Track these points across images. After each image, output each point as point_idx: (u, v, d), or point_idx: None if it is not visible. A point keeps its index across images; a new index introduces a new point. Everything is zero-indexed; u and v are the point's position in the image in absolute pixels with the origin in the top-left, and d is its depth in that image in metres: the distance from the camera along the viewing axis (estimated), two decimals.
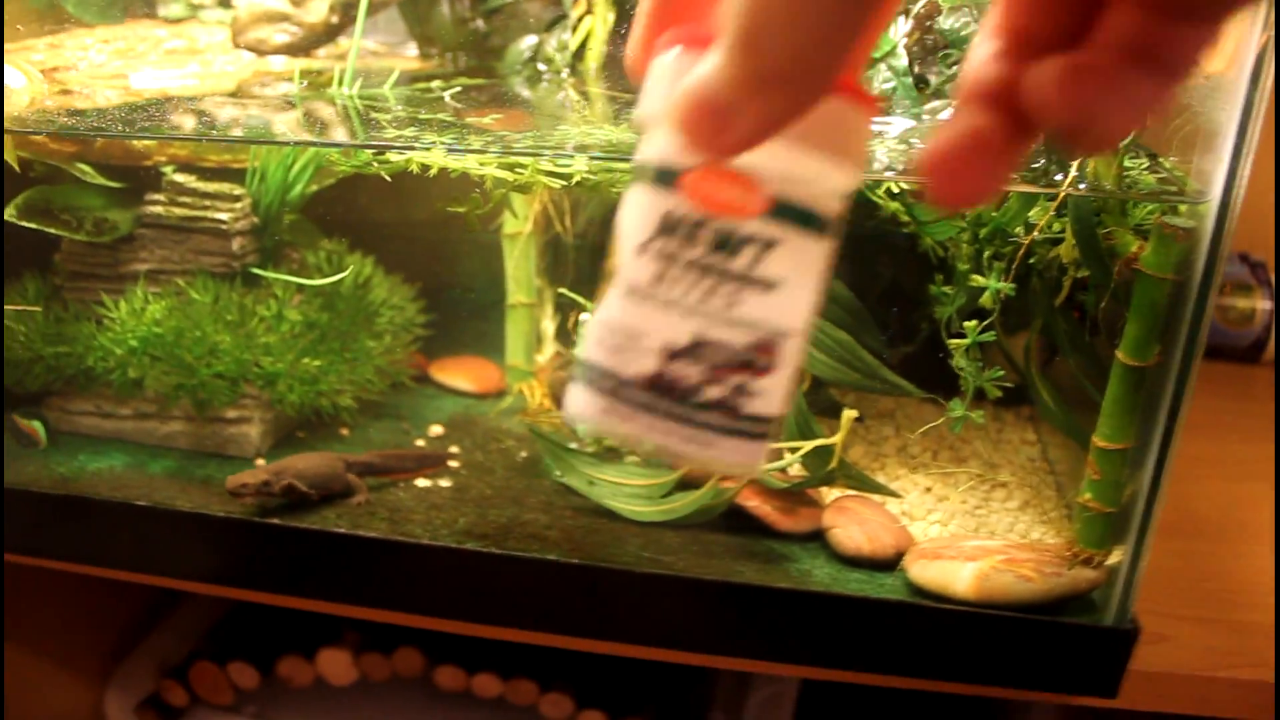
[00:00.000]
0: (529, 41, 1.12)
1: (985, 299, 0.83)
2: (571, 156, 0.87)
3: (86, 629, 1.37)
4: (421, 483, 1.04)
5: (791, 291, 0.39)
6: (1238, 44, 0.68)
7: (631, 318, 0.40)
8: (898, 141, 0.89)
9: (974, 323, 0.85)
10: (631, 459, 1.03)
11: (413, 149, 0.86)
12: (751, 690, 1.39)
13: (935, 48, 0.95)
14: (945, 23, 0.90)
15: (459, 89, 1.05)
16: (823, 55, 0.33)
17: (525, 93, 1.09)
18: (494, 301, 1.20)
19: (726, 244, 0.39)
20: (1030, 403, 1.02)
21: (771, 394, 0.40)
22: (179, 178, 1.04)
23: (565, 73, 1.11)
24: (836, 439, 0.92)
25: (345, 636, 1.34)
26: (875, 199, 0.94)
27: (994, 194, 0.68)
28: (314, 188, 1.08)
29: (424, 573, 0.94)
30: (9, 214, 0.99)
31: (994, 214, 0.86)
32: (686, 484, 0.99)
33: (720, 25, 0.34)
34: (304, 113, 1.00)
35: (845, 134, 0.39)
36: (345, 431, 1.14)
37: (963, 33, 0.89)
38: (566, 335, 1.20)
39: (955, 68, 0.95)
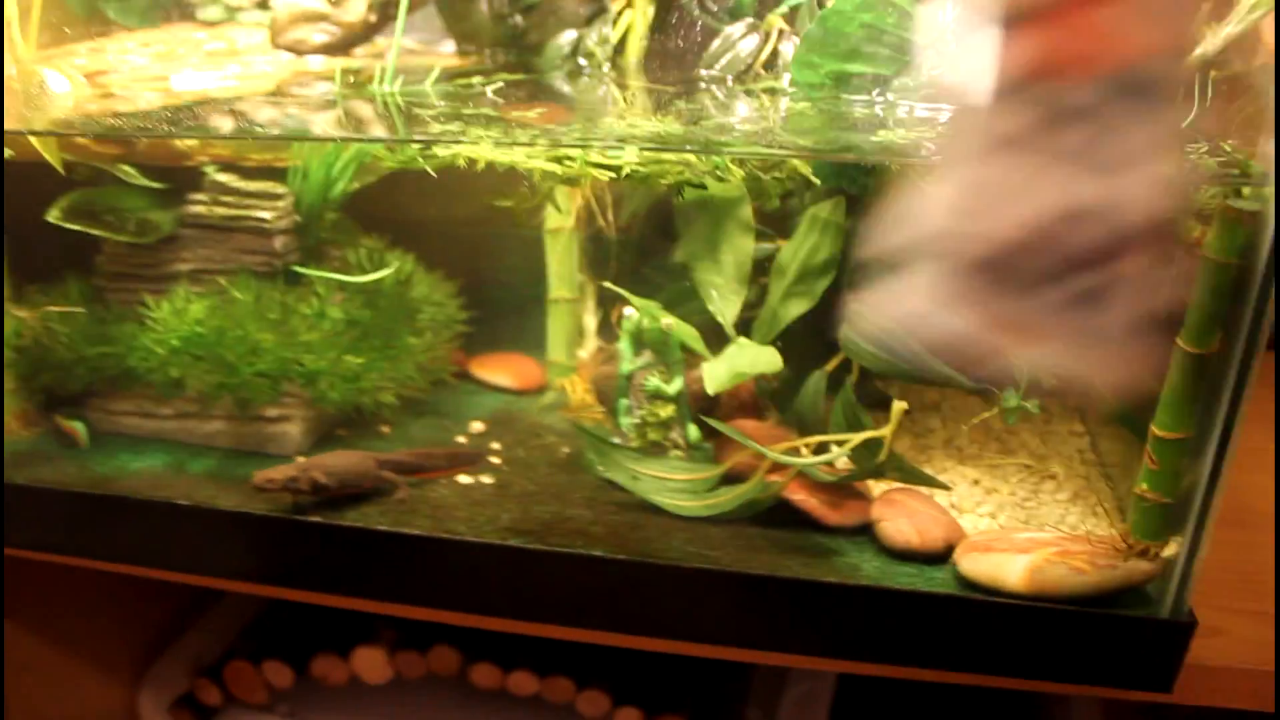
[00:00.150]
0: (568, 36, 1.11)
1: None
2: (622, 147, 0.86)
3: (120, 628, 1.36)
4: (464, 479, 1.03)
5: (1152, 169, 0.34)
6: None
7: (997, 174, 0.35)
8: (945, 126, 0.87)
9: None
10: (676, 453, 1.02)
11: (460, 143, 0.85)
12: (787, 686, 1.38)
13: None
14: None
15: (501, 84, 1.04)
16: None
17: (566, 88, 1.08)
18: (534, 297, 1.19)
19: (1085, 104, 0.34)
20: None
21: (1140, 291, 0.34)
22: (221, 177, 1.04)
23: (606, 67, 1.10)
24: (886, 431, 0.90)
25: (380, 634, 1.34)
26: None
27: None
28: (355, 185, 1.08)
29: (467, 570, 0.93)
30: (54, 216, 0.99)
31: None
32: (732, 478, 0.98)
33: None
34: (345, 111, 0.99)
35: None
36: (386, 429, 1.13)
37: None
38: (609, 330, 1.19)
39: None
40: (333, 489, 0.96)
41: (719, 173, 0.95)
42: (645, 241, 1.15)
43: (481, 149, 0.85)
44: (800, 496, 0.95)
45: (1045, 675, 0.87)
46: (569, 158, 0.89)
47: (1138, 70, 0.34)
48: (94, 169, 1.02)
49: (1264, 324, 0.74)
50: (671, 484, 0.99)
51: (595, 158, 0.89)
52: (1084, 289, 0.33)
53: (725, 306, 1.02)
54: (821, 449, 0.95)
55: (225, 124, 0.96)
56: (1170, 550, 0.84)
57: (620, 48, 1.10)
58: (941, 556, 0.90)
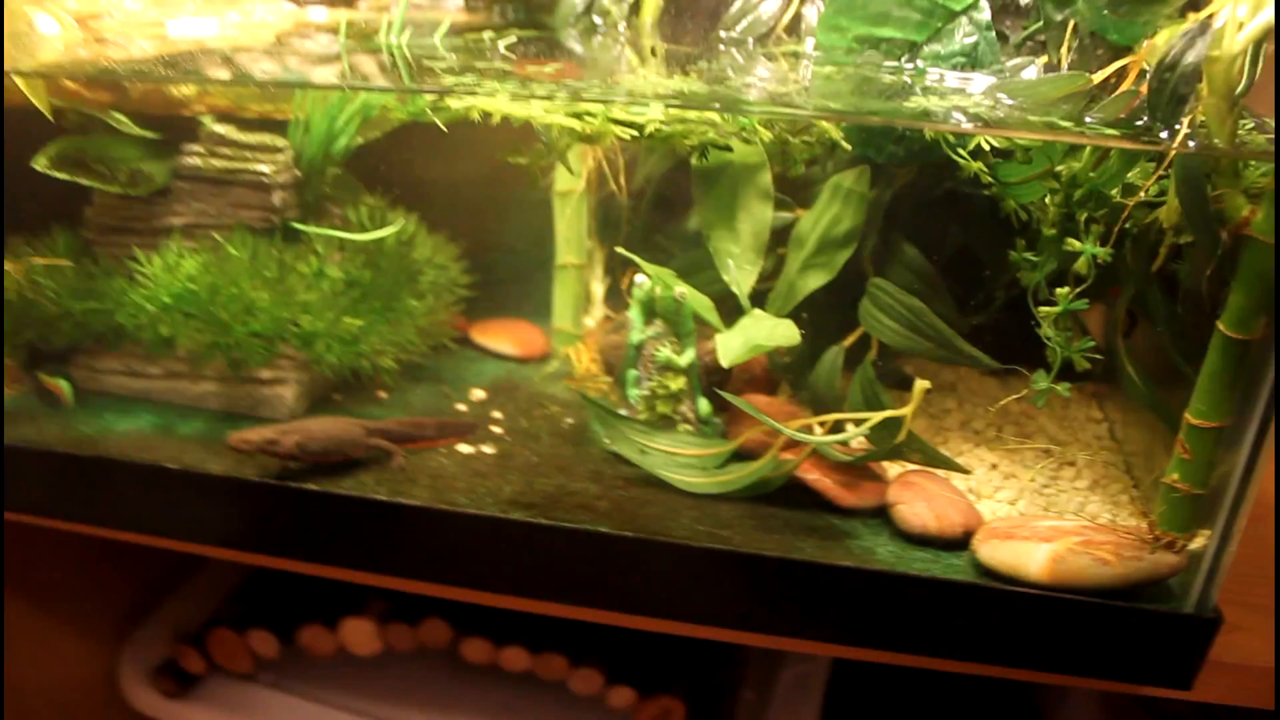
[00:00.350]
0: None
1: (1080, 264, 0.79)
2: (646, 104, 0.82)
3: (102, 592, 1.34)
4: (464, 449, 1.00)
5: None
6: None
7: None
8: (983, 96, 0.84)
9: (1066, 290, 0.80)
10: (685, 428, 0.99)
11: (474, 94, 0.81)
12: (782, 668, 1.37)
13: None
14: None
15: (514, 40, 1.00)
16: None
17: (579, 47, 1.05)
18: (539, 262, 1.16)
19: None
20: (1095, 378, 0.99)
21: None
22: (218, 128, 1.00)
23: (621, 26, 1.07)
24: (906, 411, 0.88)
25: (370, 606, 1.32)
26: (957, 158, 0.89)
27: None
28: (359, 141, 1.04)
29: (467, 543, 0.90)
30: (41, 164, 0.96)
31: (1091, 174, 0.81)
32: (743, 455, 0.95)
33: None
34: (349, 64, 0.95)
35: None
36: (383, 394, 1.10)
37: None
38: (617, 298, 1.16)
39: (1037, 24, 0.91)
40: (315, 455, 0.92)
41: (745, 134, 0.91)
42: (659, 207, 1.12)
43: (497, 101, 0.81)
44: (814, 476, 0.93)
45: (1062, 668, 0.85)
46: (589, 114, 0.85)
47: None
48: (84, 116, 0.98)
49: None
50: (680, 459, 0.96)
51: (617, 115, 0.85)
52: None
53: (741, 276, 0.99)
54: (837, 428, 0.92)
55: (223, 75, 0.92)
56: (1197, 543, 0.81)
57: (636, 7, 1.07)
58: (960, 542, 0.88)
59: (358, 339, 1.03)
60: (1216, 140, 0.70)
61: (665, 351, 0.97)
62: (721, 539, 0.87)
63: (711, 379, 1.00)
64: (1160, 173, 0.80)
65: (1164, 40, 0.75)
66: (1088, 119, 0.77)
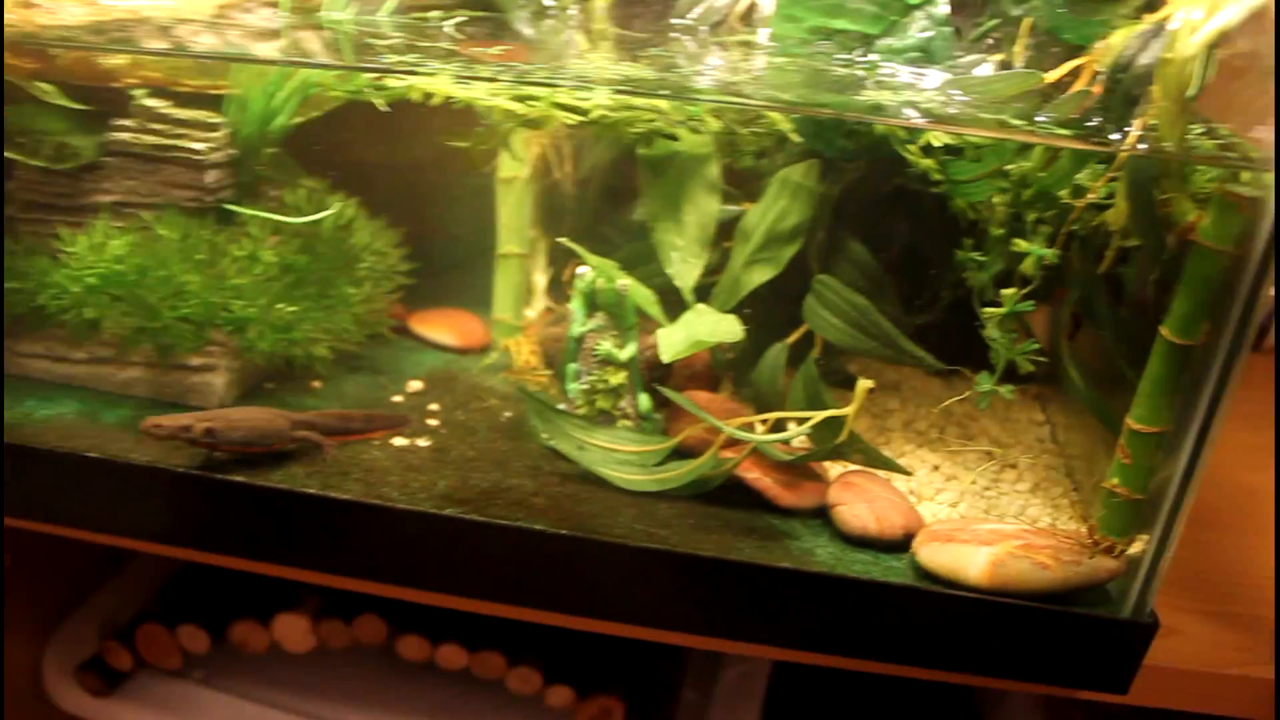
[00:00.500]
0: None
1: (1026, 265, 0.78)
2: (591, 89, 0.81)
3: (25, 585, 1.30)
4: (399, 442, 0.98)
5: None
6: None
7: None
8: (936, 92, 0.84)
9: (1012, 290, 0.80)
10: (625, 424, 0.98)
11: (415, 74, 0.79)
12: (723, 667, 1.37)
13: None
14: None
15: (461, 20, 0.98)
16: None
17: (528, 30, 1.03)
18: (482, 251, 1.14)
19: None
20: (1038, 380, 0.98)
21: None
22: (150, 102, 0.97)
23: (573, 9, 1.05)
24: (849, 410, 0.87)
25: (304, 601, 1.29)
26: (907, 154, 0.88)
27: None
28: (298, 119, 1.01)
29: (399, 539, 0.88)
30: None
31: (1040, 175, 0.81)
32: (682, 452, 0.94)
33: None
34: (291, 39, 0.93)
35: None
36: (317, 384, 1.07)
37: None
38: (559, 289, 1.14)
39: (994, 21, 0.91)
40: (233, 444, 0.90)
41: (693, 123, 0.90)
42: (605, 196, 1.11)
43: (439, 82, 0.79)
44: (754, 475, 0.91)
45: (1000, 672, 0.85)
46: (533, 97, 0.83)
47: None
48: (8, 85, 0.94)
49: (1254, 316, 0.71)
50: (619, 455, 0.95)
51: (562, 99, 0.83)
52: None
53: (685, 270, 0.98)
54: (779, 426, 0.91)
55: (159, 46, 0.89)
56: (1136, 548, 0.81)
57: None
58: (900, 545, 0.87)
59: (291, 326, 1.00)
60: (1166, 143, 0.70)
61: (606, 345, 0.96)
62: (659, 538, 0.85)
63: (653, 374, 0.99)
64: (1110, 175, 0.80)
65: (1119, 41, 0.75)
66: (1039, 118, 0.76)
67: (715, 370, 1.05)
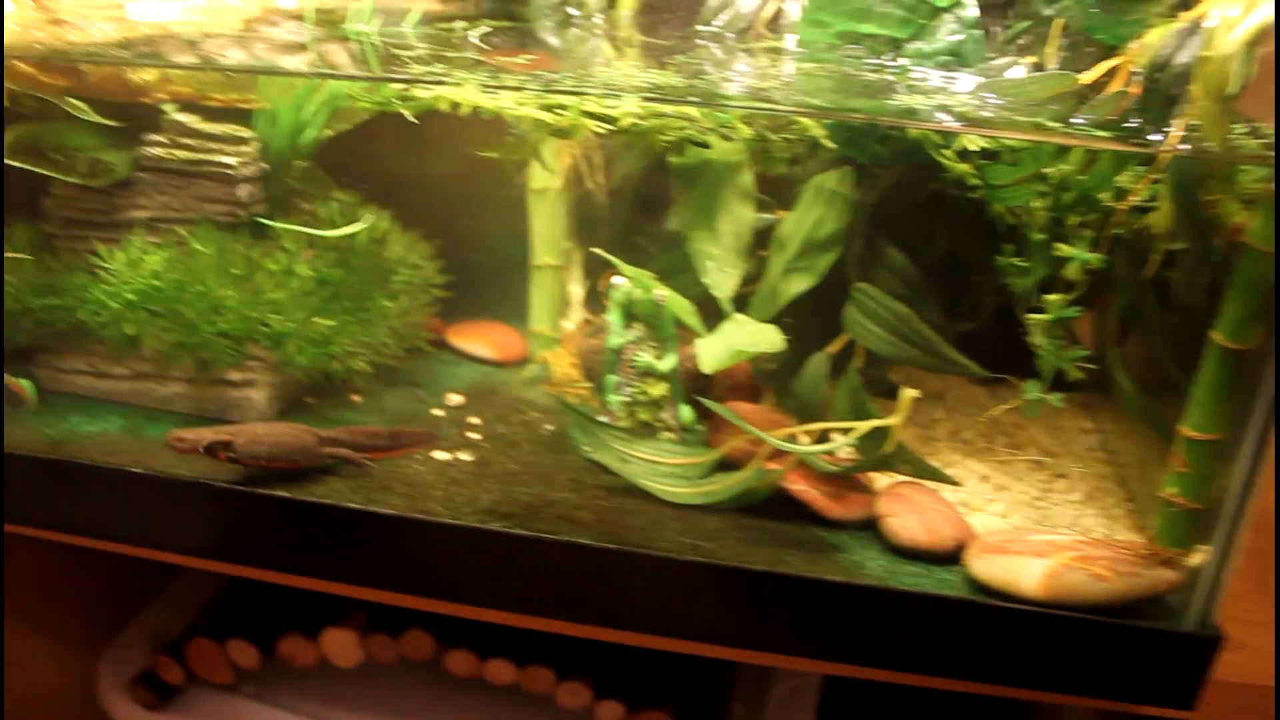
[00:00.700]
0: None
1: (1070, 270, 0.76)
2: (619, 96, 0.79)
3: (79, 601, 1.31)
4: (441, 455, 0.97)
5: None
6: None
7: None
8: (969, 96, 0.82)
9: (1058, 296, 0.77)
10: (667, 436, 0.96)
11: (442, 84, 0.79)
12: (774, 681, 1.34)
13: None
14: None
15: (486, 30, 0.98)
16: None
17: (554, 39, 1.02)
18: (517, 263, 1.13)
19: None
20: (1085, 388, 0.96)
21: None
22: (181, 117, 0.97)
23: (598, 18, 1.04)
24: (895, 420, 0.85)
25: (351, 616, 1.29)
26: (942, 159, 0.86)
27: None
28: (328, 132, 1.01)
29: (443, 554, 0.88)
30: None
31: (1081, 178, 0.78)
32: (727, 464, 0.92)
33: None
34: (317, 51, 0.93)
35: None
36: (357, 398, 1.07)
37: None
38: (596, 300, 1.13)
39: (1025, 23, 0.89)
40: (259, 460, 0.89)
41: (724, 130, 0.88)
42: (638, 206, 1.10)
43: (466, 92, 0.78)
44: (800, 487, 0.90)
45: (1059, 687, 0.83)
46: (562, 106, 0.82)
47: None
48: (40, 102, 0.95)
49: None
50: (662, 468, 0.93)
51: (590, 108, 0.82)
52: None
53: (722, 279, 0.96)
54: (823, 437, 0.89)
55: (182, 59, 0.90)
56: (1195, 559, 0.79)
57: None
58: (951, 556, 0.85)
59: (329, 340, 1.00)
60: (1209, 143, 0.68)
61: (645, 356, 0.94)
62: (706, 551, 0.84)
63: (694, 385, 0.97)
64: (1152, 176, 0.77)
65: (1155, 39, 0.73)
66: (1076, 120, 0.74)
67: (757, 381, 1.03)
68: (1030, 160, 0.82)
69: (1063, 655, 0.80)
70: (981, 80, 0.85)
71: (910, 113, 0.77)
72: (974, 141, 0.84)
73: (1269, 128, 0.74)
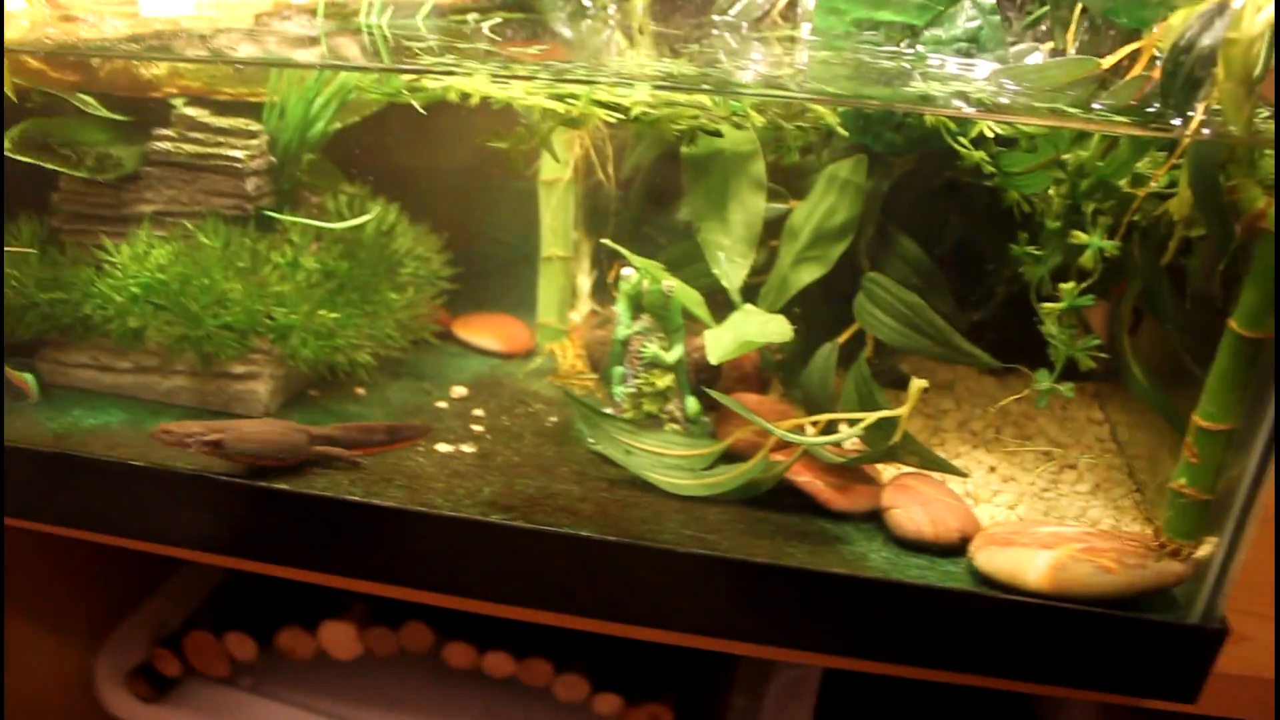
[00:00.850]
0: None
1: (1086, 258, 0.76)
2: (631, 85, 0.79)
3: (77, 593, 1.31)
4: (443, 447, 0.97)
5: None
6: None
7: None
8: (987, 82, 0.81)
9: (1071, 285, 0.77)
10: (672, 427, 0.96)
11: (451, 74, 0.78)
12: (773, 673, 1.35)
13: None
14: None
15: (498, 21, 0.97)
16: None
17: (567, 30, 1.02)
18: (524, 255, 1.13)
19: None
20: (1095, 378, 0.96)
21: None
22: (190, 111, 0.97)
23: (611, 9, 1.04)
24: (903, 411, 0.84)
25: (350, 608, 1.29)
26: (958, 146, 0.86)
27: None
28: (337, 126, 1.01)
29: (443, 546, 0.87)
30: (4, 147, 0.92)
31: (1098, 164, 0.78)
32: (732, 456, 0.92)
33: None
34: (328, 44, 0.92)
35: None
36: (361, 391, 1.07)
37: None
38: (604, 292, 1.12)
39: (1044, 8, 0.89)
40: (245, 457, 0.89)
41: (736, 118, 0.88)
42: (648, 197, 1.09)
43: (475, 82, 0.78)
44: (806, 479, 0.89)
45: (1063, 680, 0.82)
46: (572, 96, 0.82)
47: None
48: (49, 97, 0.95)
49: None
50: (667, 460, 0.93)
51: (601, 97, 0.81)
52: None
53: (732, 270, 0.96)
54: (830, 428, 0.89)
55: (190, 52, 0.89)
56: (1204, 551, 0.79)
57: None
58: (956, 549, 0.85)
59: (334, 333, 1.00)
60: (1232, 128, 0.67)
61: (652, 348, 0.94)
62: (709, 544, 0.84)
63: (700, 376, 0.97)
64: (1172, 162, 0.77)
65: (1179, 22, 0.72)
66: (1096, 105, 0.74)
67: (764, 372, 1.03)
68: (1048, 146, 0.82)
69: (1066, 648, 0.80)
70: (999, 66, 0.85)
71: (926, 99, 0.76)
72: (990, 128, 0.84)
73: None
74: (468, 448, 0.97)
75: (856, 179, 0.94)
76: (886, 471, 0.93)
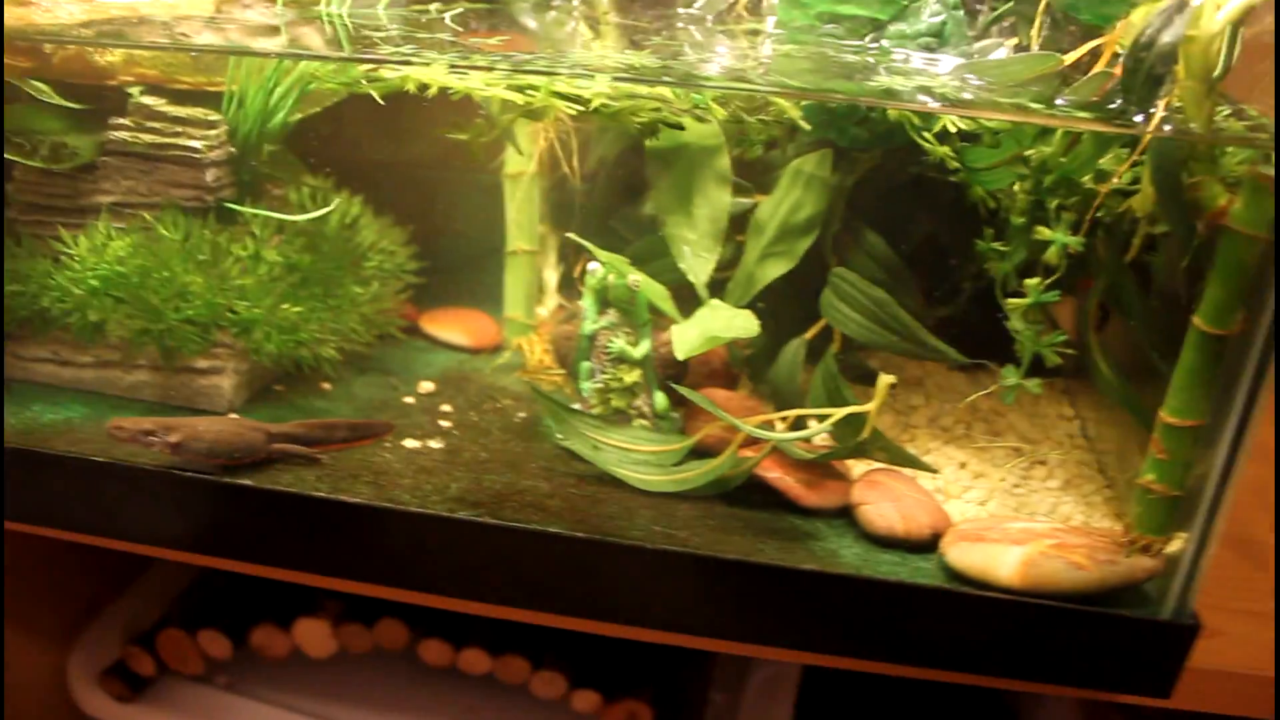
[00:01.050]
0: None
1: (1050, 254, 0.75)
2: (591, 76, 0.78)
3: (48, 591, 1.30)
4: (410, 443, 0.96)
5: None
6: None
7: None
8: (951, 77, 0.81)
9: (1036, 280, 0.77)
10: (641, 423, 0.95)
11: (409, 64, 0.77)
12: (753, 669, 1.34)
13: None
14: None
15: (460, 11, 0.96)
16: None
17: (531, 21, 1.01)
18: (491, 249, 1.12)
19: None
20: (1066, 374, 0.95)
21: None
22: (147, 100, 0.95)
23: (576, 0, 1.03)
24: (870, 407, 0.84)
25: (324, 606, 1.28)
26: (922, 142, 0.85)
27: None
28: (297, 116, 0.99)
29: (411, 543, 0.86)
30: None
31: (1061, 160, 0.78)
32: (701, 452, 0.91)
33: None
34: (288, 34, 0.91)
35: None
36: (327, 385, 1.05)
37: None
38: (571, 286, 1.11)
39: (1009, 3, 0.88)
40: (198, 455, 0.87)
41: (699, 111, 0.87)
42: (613, 191, 1.08)
43: (433, 71, 0.77)
44: (775, 475, 0.89)
45: (1036, 676, 0.82)
46: (532, 87, 0.81)
47: None
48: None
49: None
50: (635, 456, 0.92)
51: (561, 88, 0.80)
52: None
53: (697, 265, 0.95)
54: (799, 424, 0.88)
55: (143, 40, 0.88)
56: (1175, 546, 0.78)
57: None
58: (927, 545, 0.84)
59: (298, 327, 0.98)
60: (1193, 125, 0.68)
61: (619, 343, 0.93)
62: (679, 540, 0.83)
63: (668, 372, 0.96)
64: (1134, 158, 0.76)
65: (1140, 19, 0.72)
66: (1059, 101, 0.73)
67: (733, 367, 1.02)
68: (1011, 142, 0.82)
69: (1038, 644, 0.80)
70: (963, 62, 0.84)
71: (889, 93, 0.75)
72: (954, 123, 0.83)
73: (1253, 109, 0.73)
74: (435, 443, 0.96)
75: (822, 174, 0.93)
76: (857, 467, 0.92)
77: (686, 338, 0.87)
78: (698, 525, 0.86)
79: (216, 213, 0.98)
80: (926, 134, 0.85)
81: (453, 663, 1.27)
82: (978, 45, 0.88)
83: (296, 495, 0.86)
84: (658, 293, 0.92)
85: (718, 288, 0.96)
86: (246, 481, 0.87)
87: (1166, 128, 0.69)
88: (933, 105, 0.77)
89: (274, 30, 0.94)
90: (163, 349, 0.96)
